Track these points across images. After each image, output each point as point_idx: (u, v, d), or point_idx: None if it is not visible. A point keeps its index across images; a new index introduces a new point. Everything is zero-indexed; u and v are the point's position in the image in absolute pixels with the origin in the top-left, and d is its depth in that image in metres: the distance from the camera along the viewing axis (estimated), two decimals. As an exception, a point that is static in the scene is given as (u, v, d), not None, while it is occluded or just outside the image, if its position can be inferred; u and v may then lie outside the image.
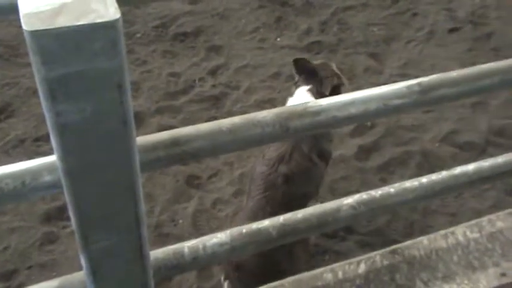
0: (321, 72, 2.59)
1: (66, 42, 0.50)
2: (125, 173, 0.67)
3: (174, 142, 0.82)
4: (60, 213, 2.69)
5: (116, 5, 0.51)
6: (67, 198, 0.67)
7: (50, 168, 0.73)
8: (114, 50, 0.52)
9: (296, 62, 2.67)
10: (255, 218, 2.14)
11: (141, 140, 0.81)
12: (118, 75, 0.56)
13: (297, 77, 2.69)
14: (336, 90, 2.53)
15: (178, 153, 0.83)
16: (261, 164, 2.29)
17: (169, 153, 0.82)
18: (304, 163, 2.28)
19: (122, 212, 0.72)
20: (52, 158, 0.73)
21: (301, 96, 2.54)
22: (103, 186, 0.67)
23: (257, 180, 2.26)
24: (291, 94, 2.63)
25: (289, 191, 2.21)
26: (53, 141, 0.60)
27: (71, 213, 0.69)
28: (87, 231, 0.72)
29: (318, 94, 2.51)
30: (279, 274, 2.13)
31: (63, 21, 0.49)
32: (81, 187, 0.66)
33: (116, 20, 0.50)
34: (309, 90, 2.55)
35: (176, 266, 1.02)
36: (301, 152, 2.28)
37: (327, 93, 2.48)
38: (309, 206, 2.38)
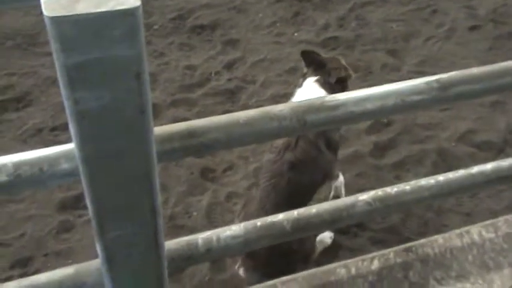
0: (328, 64, 2.66)
1: (85, 29, 0.50)
2: (142, 162, 0.68)
3: (191, 133, 0.83)
4: (76, 202, 2.71)
5: (136, -7, 0.51)
6: (84, 186, 0.68)
7: (67, 156, 0.74)
8: (134, 38, 0.52)
9: (304, 53, 2.74)
10: (263, 205, 2.20)
11: (158, 130, 0.81)
12: (137, 64, 0.56)
13: (305, 69, 2.73)
14: (342, 82, 2.60)
15: (194, 145, 0.83)
16: (269, 152, 2.31)
17: (185, 144, 0.82)
18: (310, 151, 2.29)
19: (138, 201, 0.72)
20: (70, 146, 0.73)
21: (309, 87, 2.59)
22: (120, 175, 0.68)
23: (264, 168, 2.31)
24: (299, 85, 2.68)
25: (294, 179, 2.23)
26: (71, 129, 0.61)
27: (87, 201, 0.70)
28: (103, 220, 0.73)
29: (325, 85, 2.55)
30: (289, 254, 2.15)
31: (84, 7, 0.49)
32: (98, 175, 0.67)
33: (136, 8, 0.50)
34: (317, 80, 2.59)
35: (190, 257, 1.02)
36: (308, 140, 2.28)
37: (333, 82, 2.55)
38: (317, 196, 2.48)
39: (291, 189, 2.22)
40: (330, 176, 2.51)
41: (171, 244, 1.03)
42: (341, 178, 2.63)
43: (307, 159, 2.28)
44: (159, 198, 0.74)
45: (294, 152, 2.24)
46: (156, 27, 4.16)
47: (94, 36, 0.50)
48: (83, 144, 0.62)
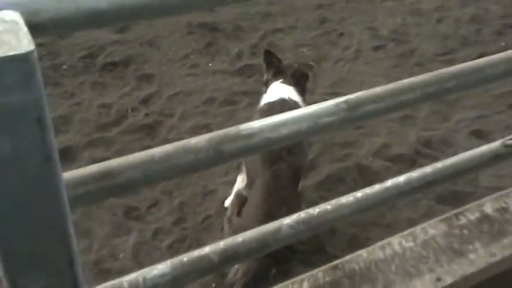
0: (287, 68, 2.96)
1: (-23, 78, 0.47)
2: (52, 210, 0.64)
3: (105, 175, 0.80)
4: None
5: (29, 37, 0.50)
6: (-10, 241, 0.63)
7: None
8: (30, 84, 0.50)
9: (267, 53, 2.98)
10: (270, 191, 2.33)
11: (69, 175, 0.78)
12: (37, 109, 0.54)
13: (265, 75, 2.97)
14: (307, 77, 2.96)
15: (109, 186, 0.80)
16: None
17: (99, 186, 0.79)
18: None
19: (52, 252, 0.68)
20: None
21: (277, 88, 2.79)
22: (29, 226, 0.64)
23: (258, 159, 2.42)
24: (264, 92, 2.83)
25: (292, 162, 2.44)
26: (-30, 183, 0.57)
27: (-5, 257, 0.65)
28: (15, 274, 0.68)
29: (292, 84, 2.81)
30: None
31: (-27, 55, 0.47)
32: (5, 228, 0.62)
33: (30, 52, 0.48)
34: (283, 82, 2.82)
35: (115, 303, 0.98)
36: None
37: (300, 80, 2.88)
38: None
39: (291, 172, 2.43)
40: (306, 156, 2.81)
41: (94, 292, 0.98)
42: None
43: (297, 144, 2.45)
44: (75, 246, 0.71)
45: None
46: (65, 67, 4.05)
47: (-13, 83, 0.47)
48: (-15, 197, 0.58)
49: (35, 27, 0.64)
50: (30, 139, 0.56)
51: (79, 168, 0.81)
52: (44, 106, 0.54)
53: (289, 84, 2.82)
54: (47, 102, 0.56)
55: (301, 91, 2.89)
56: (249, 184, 2.50)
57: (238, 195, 2.59)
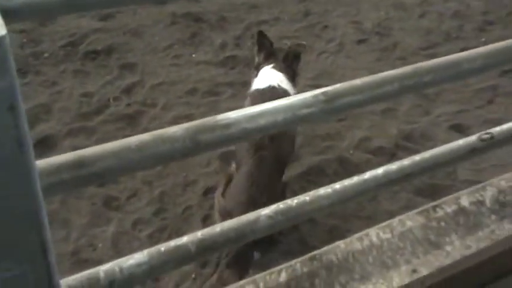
0: (278, 52, 2.95)
1: None
2: (25, 198, 0.64)
3: (80, 163, 0.79)
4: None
5: (1, 21, 0.49)
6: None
7: None
8: (2, 69, 0.49)
9: (260, 34, 2.97)
10: (253, 178, 2.40)
11: (43, 163, 0.77)
12: (9, 96, 0.53)
13: (257, 58, 2.97)
14: (299, 57, 2.97)
15: (84, 175, 0.80)
16: None
17: (74, 175, 0.79)
18: None
19: (24, 240, 0.68)
20: None
21: (267, 73, 2.81)
22: (1, 214, 0.63)
23: (245, 147, 2.48)
24: (254, 75, 2.83)
25: (276, 150, 2.50)
26: None
27: (-34, 245, 0.65)
28: (-13, 263, 0.67)
29: (282, 69, 2.82)
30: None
31: None
32: (-24, 217, 0.62)
33: (2, 37, 0.47)
34: (273, 67, 2.83)
35: (91, 293, 0.97)
36: None
37: (294, 61, 2.90)
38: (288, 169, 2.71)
39: (275, 160, 2.49)
40: (294, 148, 2.82)
41: (69, 281, 0.97)
42: None
43: (282, 132, 2.48)
44: (49, 234, 0.70)
45: None
46: (46, 55, 3.99)
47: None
48: (-46, 185, 0.57)
49: (9, 12, 0.63)
50: (2, 127, 0.55)
51: (53, 157, 0.80)
52: (17, 93, 0.54)
53: (280, 69, 2.81)
54: (19, 89, 0.55)
55: (293, 75, 2.90)
56: (237, 167, 2.57)
57: (228, 174, 2.63)
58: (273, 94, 2.62)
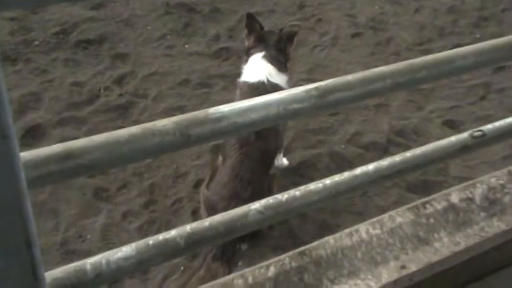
0: (269, 34, 2.87)
1: None
2: (8, 190, 0.62)
3: (68, 155, 0.78)
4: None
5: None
6: None
7: None
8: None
9: (249, 17, 2.89)
10: (237, 172, 2.42)
11: (30, 154, 0.76)
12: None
13: (247, 42, 2.90)
14: (294, 37, 2.89)
15: (72, 167, 0.78)
16: None
17: (62, 167, 0.77)
18: None
19: (7, 233, 0.66)
20: None
21: (257, 63, 2.76)
22: (-16, 206, 0.62)
23: (231, 141, 2.48)
24: (244, 61, 2.78)
25: (261, 146, 2.49)
26: None
27: None
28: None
29: (272, 60, 2.76)
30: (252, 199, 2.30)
31: None
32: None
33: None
34: (264, 56, 2.77)
35: (77, 285, 0.96)
36: None
37: (288, 40, 2.83)
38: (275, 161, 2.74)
39: (260, 155, 2.49)
40: (281, 143, 2.82)
41: (56, 273, 0.96)
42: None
43: (269, 128, 2.44)
44: (33, 227, 0.69)
45: None
46: (36, 43, 3.95)
47: None
48: None
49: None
50: (-16, 117, 0.54)
51: (41, 148, 0.79)
52: (1, 85, 0.52)
53: (271, 59, 2.74)
54: (3, 79, 0.54)
55: (285, 62, 2.82)
56: (223, 160, 2.56)
57: (214, 166, 2.62)
58: (261, 92, 2.57)
